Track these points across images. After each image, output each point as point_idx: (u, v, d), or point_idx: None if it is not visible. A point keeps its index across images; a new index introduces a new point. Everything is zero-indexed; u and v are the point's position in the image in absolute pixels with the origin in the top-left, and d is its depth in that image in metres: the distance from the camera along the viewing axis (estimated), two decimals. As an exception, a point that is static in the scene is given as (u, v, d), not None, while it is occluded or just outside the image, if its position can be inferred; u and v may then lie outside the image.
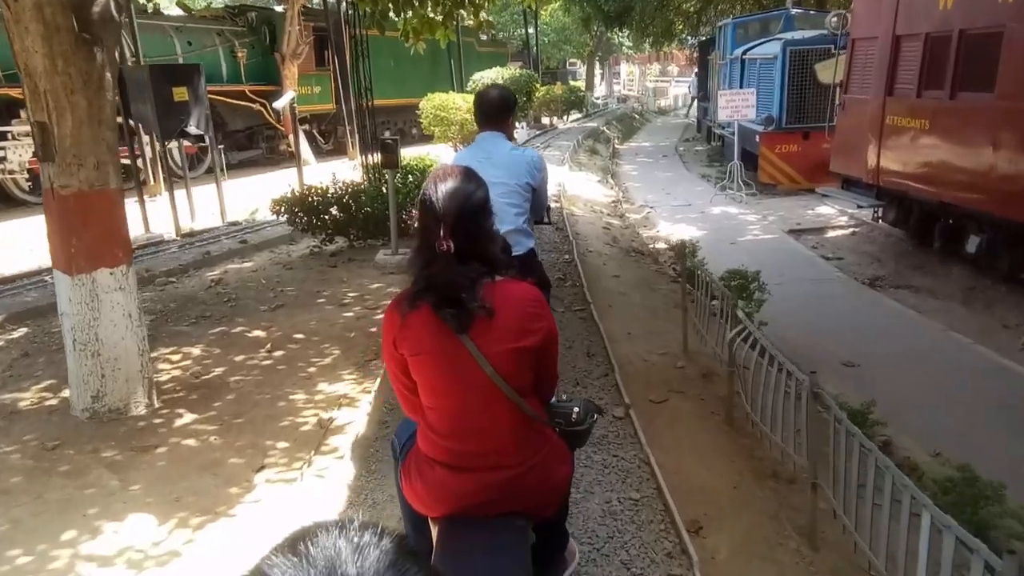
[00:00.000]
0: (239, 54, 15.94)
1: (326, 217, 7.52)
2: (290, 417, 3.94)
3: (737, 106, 11.83)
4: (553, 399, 2.12)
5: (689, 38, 31.66)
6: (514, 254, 2.86)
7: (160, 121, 8.74)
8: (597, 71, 44.15)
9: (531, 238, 3.38)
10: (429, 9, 7.95)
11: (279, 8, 17.49)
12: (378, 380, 4.26)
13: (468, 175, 1.91)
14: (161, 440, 3.73)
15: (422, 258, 1.84)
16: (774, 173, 12.22)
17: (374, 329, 5.27)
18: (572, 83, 32.40)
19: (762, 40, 13.80)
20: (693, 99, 26.87)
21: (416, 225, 1.93)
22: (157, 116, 8.73)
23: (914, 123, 7.33)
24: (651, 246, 9.18)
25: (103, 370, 3.91)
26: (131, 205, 9.39)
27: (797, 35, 12.38)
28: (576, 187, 12.15)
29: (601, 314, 5.39)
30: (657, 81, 44.59)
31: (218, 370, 4.63)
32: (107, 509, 3.15)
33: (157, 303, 6.05)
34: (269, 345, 4.97)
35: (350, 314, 5.64)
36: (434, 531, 1.97)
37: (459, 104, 14.74)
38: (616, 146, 20.71)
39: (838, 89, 9.35)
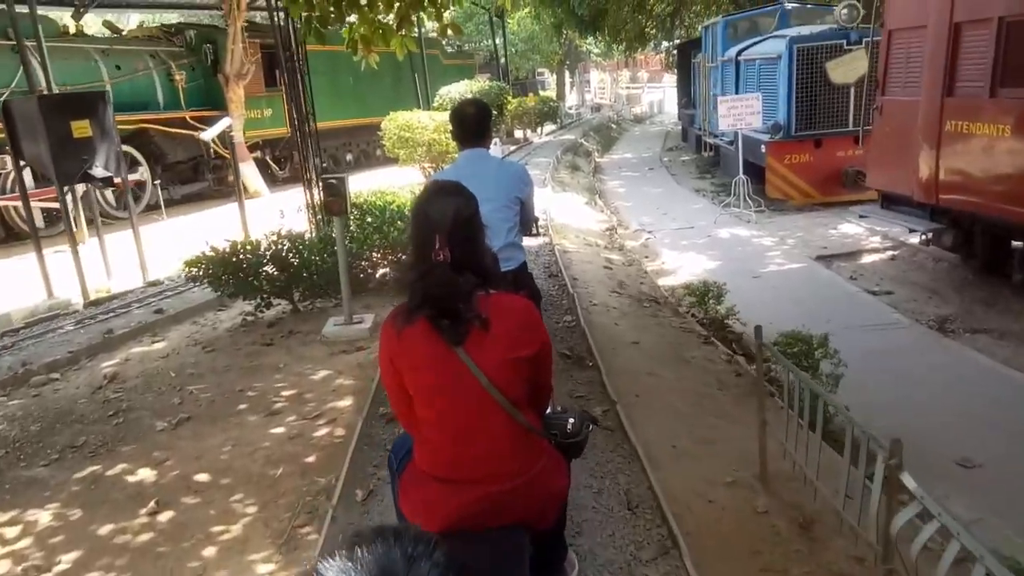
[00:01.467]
0: (177, 77, 14.30)
1: (261, 277, 5.93)
2: None
3: (740, 113, 10.43)
4: (548, 410, 2.15)
5: (663, 42, 30.50)
6: (506, 268, 2.90)
7: (56, 162, 7.11)
8: (567, 80, 42.93)
9: (522, 252, 3.37)
10: (380, 12, 6.45)
11: (222, 25, 15.84)
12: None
13: (459, 188, 2.00)
14: None
15: (416, 271, 1.89)
16: (784, 187, 10.84)
17: (312, 459, 3.70)
18: (543, 93, 31.06)
19: (759, 38, 12.45)
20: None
21: (408, 240, 2.00)
22: (52, 156, 7.10)
23: (987, 129, 5.93)
24: (660, 283, 7.71)
25: None
26: (32, 263, 7.80)
27: (803, 31, 11.04)
28: (563, 213, 10.65)
29: (631, 416, 3.87)
30: (629, 88, 43.41)
31: (67, 559, 3.03)
32: None
33: (16, 423, 4.41)
34: (154, 503, 3.37)
35: (280, 430, 4.05)
36: None
37: (425, 123, 13.22)
38: (597, 159, 19.29)
39: (869, 90, 7.95)
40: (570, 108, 33.58)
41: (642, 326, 5.71)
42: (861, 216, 8.13)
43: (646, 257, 9.23)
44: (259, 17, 16.31)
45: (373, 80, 19.52)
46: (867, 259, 8.39)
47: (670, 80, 55.27)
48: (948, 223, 6.81)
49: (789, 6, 12.91)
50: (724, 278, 7.76)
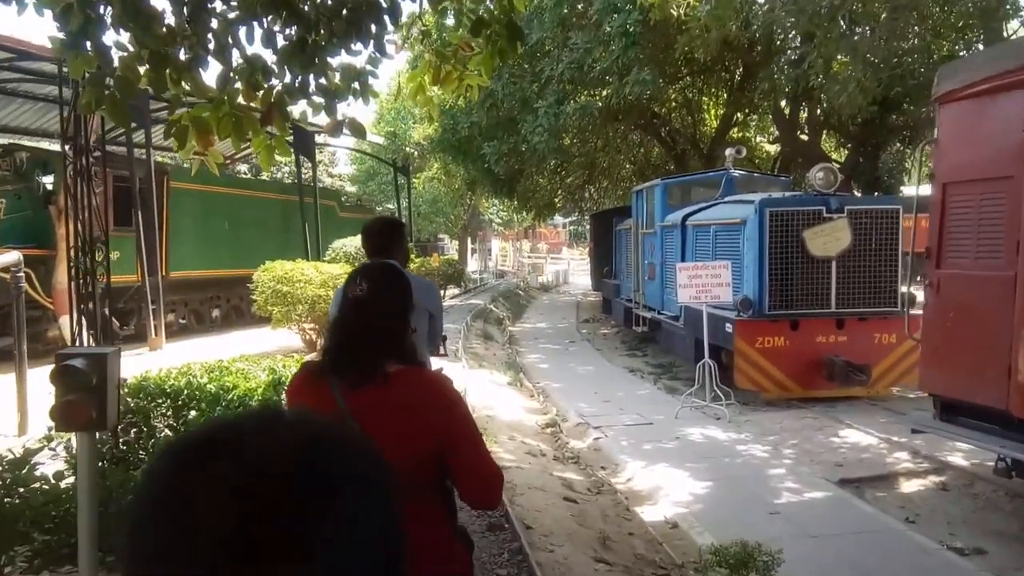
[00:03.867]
0: (-8, 204, 11.28)
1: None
2: None
3: (705, 284, 8.50)
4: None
5: (567, 217, 29.97)
6: None
7: None
8: (469, 246, 42.03)
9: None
10: (236, 92, 4.08)
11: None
12: None
13: (400, 272, 2.05)
14: None
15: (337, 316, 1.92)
16: (755, 376, 8.77)
17: None
18: (445, 256, 29.47)
19: (709, 203, 10.94)
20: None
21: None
22: None
23: None
24: (641, 514, 5.13)
25: None
26: None
27: (774, 195, 9.53)
28: (486, 399, 8.09)
29: None
30: (532, 257, 42.89)
31: None
32: None
33: None
34: None
35: None
36: None
37: (309, 275, 10.65)
38: (510, 328, 17.11)
39: (917, 259, 6.09)
40: (474, 273, 32.03)
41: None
42: (915, 431, 5.93)
43: (603, 468, 6.68)
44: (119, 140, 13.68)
45: (255, 226, 17.03)
46: (908, 487, 6.15)
47: (568, 253, 56.02)
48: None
49: (735, 173, 11.62)
50: (728, 511, 5.35)
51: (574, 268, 37.79)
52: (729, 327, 8.86)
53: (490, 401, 8.07)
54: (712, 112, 24.44)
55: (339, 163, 38.74)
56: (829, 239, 8.60)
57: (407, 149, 19.91)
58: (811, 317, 8.74)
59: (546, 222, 38.82)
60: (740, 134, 24.24)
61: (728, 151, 11.72)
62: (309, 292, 10.66)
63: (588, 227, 23.07)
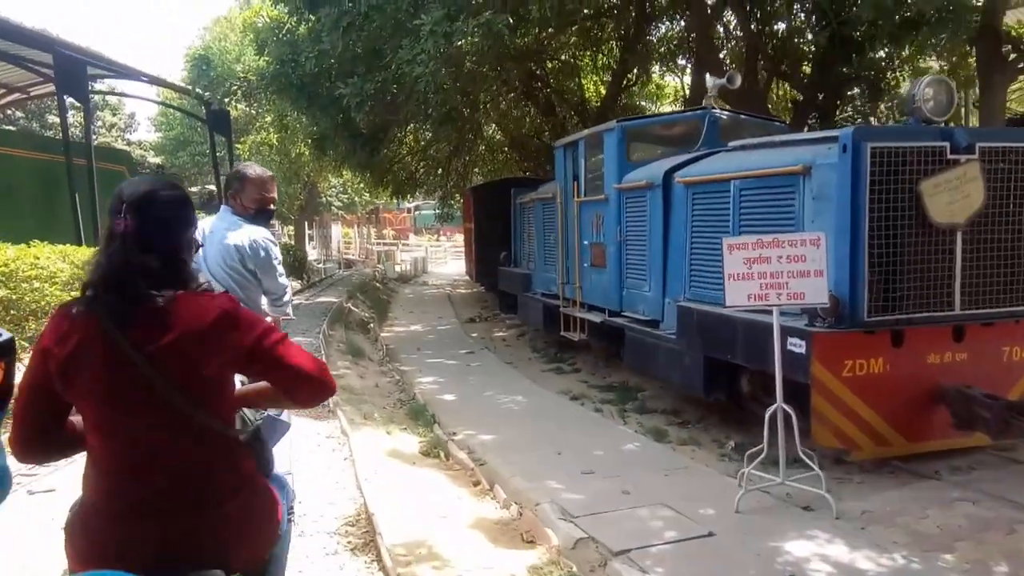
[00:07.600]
0: None
1: None
2: None
3: (776, 273, 4.87)
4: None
5: (434, 192, 25.73)
6: None
7: None
8: (306, 231, 36.73)
9: None
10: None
11: None
12: None
13: (173, 182, 1.84)
14: None
15: (100, 251, 1.70)
16: (843, 425, 5.27)
17: None
18: (282, 241, 24.35)
19: (705, 151, 7.38)
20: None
21: None
22: None
23: None
24: None
25: None
26: None
27: (874, 130, 6.08)
28: (411, 517, 3.95)
29: None
30: (385, 244, 38.20)
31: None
32: None
33: None
34: None
35: None
36: None
37: (51, 268, 5.92)
38: (379, 333, 12.78)
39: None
40: (316, 262, 27.02)
41: None
42: None
43: None
44: None
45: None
46: None
47: (416, 240, 51.52)
48: None
49: (720, 114, 8.15)
50: None
51: (431, 256, 33.68)
52: (799, 345, 5.29)
53: (422, 522, 3.94)
54: (592, 77, 21.33)
55: (139, 127, 31.84)
56: (956, 196, 5.27)
57: (226, 95, 14.77)
58: (922, 325, 5.39)
59: (403, 202, 34.44)
60: (627, 101, 21.24)
61: (711, 81, 8.21)
62: (48, 296, 5.93)
63: (464, 204, 19.06)
